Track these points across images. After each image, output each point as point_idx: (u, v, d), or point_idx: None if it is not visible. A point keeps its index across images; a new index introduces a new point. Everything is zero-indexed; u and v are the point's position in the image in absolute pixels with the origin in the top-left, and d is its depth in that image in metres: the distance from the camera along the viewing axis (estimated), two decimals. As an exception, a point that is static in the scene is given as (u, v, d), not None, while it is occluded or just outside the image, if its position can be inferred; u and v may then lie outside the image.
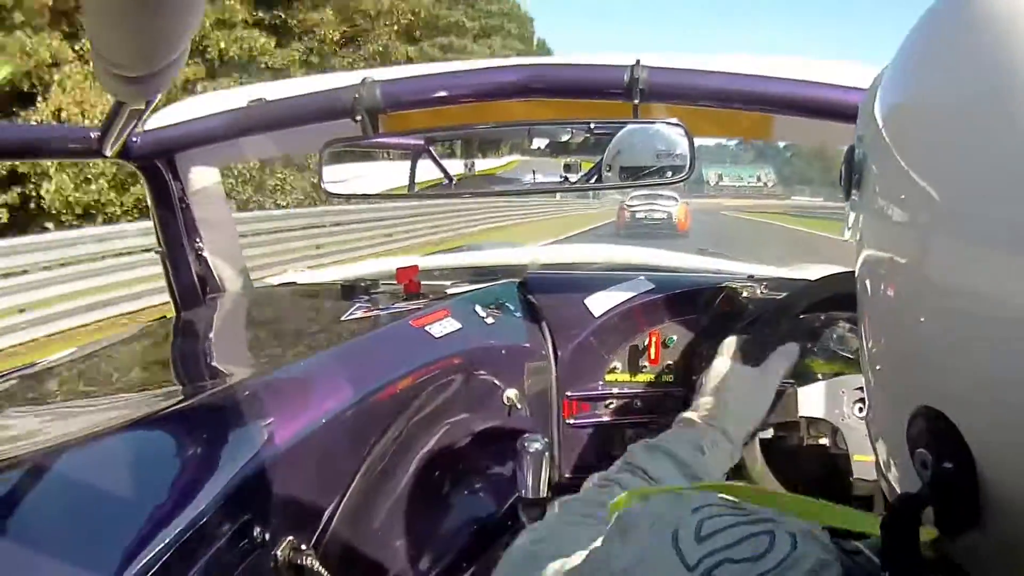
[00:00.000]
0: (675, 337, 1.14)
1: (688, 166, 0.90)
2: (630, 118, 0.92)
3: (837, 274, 0.98)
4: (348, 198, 1.14)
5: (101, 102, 9.05)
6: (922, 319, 0.32)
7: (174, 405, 0.69)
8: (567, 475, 1.15)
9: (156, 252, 1.22)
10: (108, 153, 0.99)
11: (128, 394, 0.80)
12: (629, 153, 0.94)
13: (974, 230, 0.29)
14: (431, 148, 1.01)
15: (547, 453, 0.88)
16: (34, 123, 8.24)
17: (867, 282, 0.38)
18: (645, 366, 1.14)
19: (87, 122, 8.77)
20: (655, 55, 0.92)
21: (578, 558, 0.42)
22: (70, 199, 9.58)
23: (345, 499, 0.75)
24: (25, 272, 5.82)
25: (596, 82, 0.93)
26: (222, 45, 12.14)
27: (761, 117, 0.97)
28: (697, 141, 0.92)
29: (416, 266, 1.17)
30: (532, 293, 1.19)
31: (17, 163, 8.15)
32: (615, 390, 1.15)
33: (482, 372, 1.03)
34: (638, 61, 0.90)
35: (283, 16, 13.54)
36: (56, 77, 9.82)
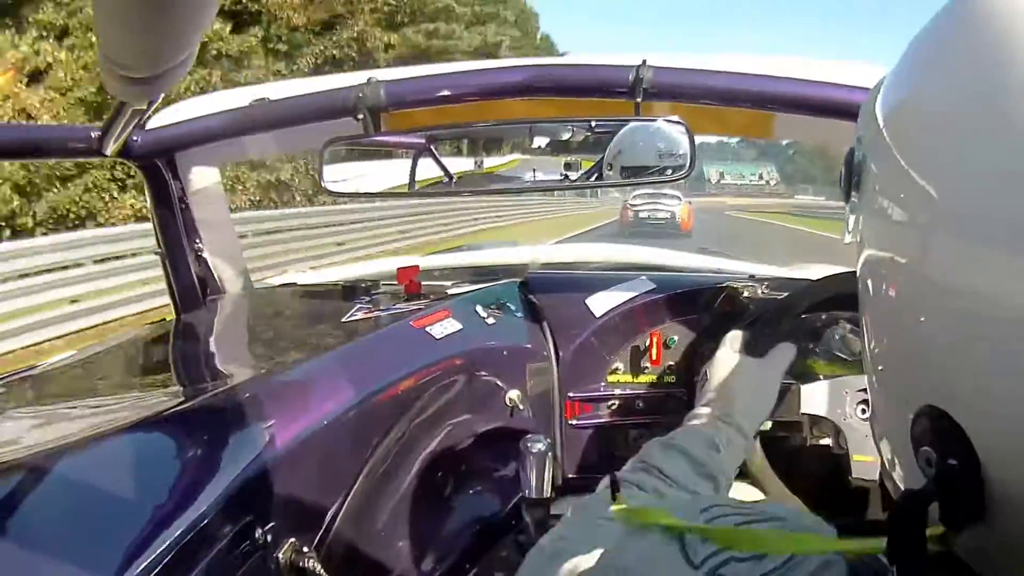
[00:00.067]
0: (676, 338, 1.14)
1: (688, 164, 0.90)
2: (631, 116, 0.92)
3: (838, 274, 0.98)
4: (348, 197, 1.13)
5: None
6: (923, 319, 0.32)
7: (176, 407, 0.69)
8: (570, 476, 1.15)
9: (156, 253, 1.22)
10: (108, 152, 0.99)
11: (129, 397, 0.80)
12: (630, 152, 0.94)
13: (974, 230, 0.29)
14: (432, 146, 1.00)
15: (550, 454, 0.88)
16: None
17: (868, 282, 0.38)
18: (647, 367, 1.14)
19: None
20: (658, 55, 0.92)
21: (591, 559, 0.43)
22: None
23: (347, 500, 0.75)
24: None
25: (601, 81, 0.93)
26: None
27: (762, 115, 0.97)
28: (698, 138, 0.92)
29: (417, 266, 1.17)
30: (533, 293, 1.19)
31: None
32: (617, 391, 1.15)
33: (484, 373, 1.03)
34: (644, 61, 0.90)
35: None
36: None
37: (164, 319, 1.24)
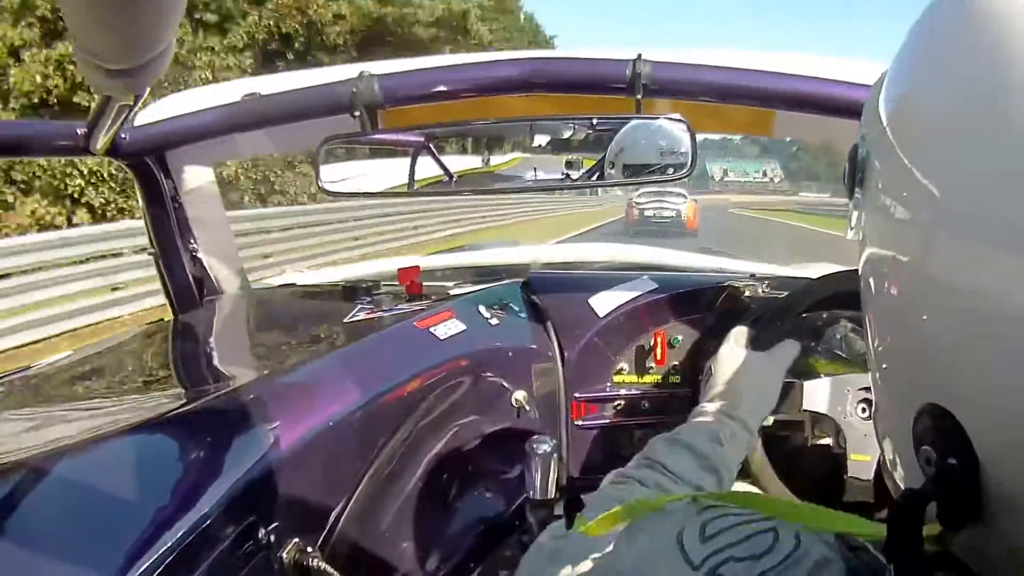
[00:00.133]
0: (680, 337, 1.14)
1: (690, 163, 0.90)
2: (632, 113, 0.91)
3: (839, 272, 0.98)
4: (347, 197, 1.12)
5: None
6: (925, 317, 0.32)
7: (180, 408, 0.69)
8: (575, 476, 1.15)
9: (149, 253, 1.20)
10: (96, 150, 0.96)
11: (131, 398, 0.80)
12: (632, 151, 0.94)
13: (975, 230, 0.29)
14: (431, 144, 0.99)
15: (555, 455, 0.88)
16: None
17: (871, 280, 0.38)
18: (652, 367, 1.14)
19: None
20: (656, 51, 0.91)
21: (591, 559, 0.43)
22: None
23: (352, 501, 0.75)
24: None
25: (598, 77, 0.92)
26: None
27: (762, 113, 0.96)
28: (700, 135, 0.91)
29: (418, 267, 1.17)
30: (535, 293, 1.19)
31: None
32: (623, 391, 1.15)
33: (489, 374, 1.03)
34: (639, 55, 0.89)
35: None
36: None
37: (162, 320, 1.24)
